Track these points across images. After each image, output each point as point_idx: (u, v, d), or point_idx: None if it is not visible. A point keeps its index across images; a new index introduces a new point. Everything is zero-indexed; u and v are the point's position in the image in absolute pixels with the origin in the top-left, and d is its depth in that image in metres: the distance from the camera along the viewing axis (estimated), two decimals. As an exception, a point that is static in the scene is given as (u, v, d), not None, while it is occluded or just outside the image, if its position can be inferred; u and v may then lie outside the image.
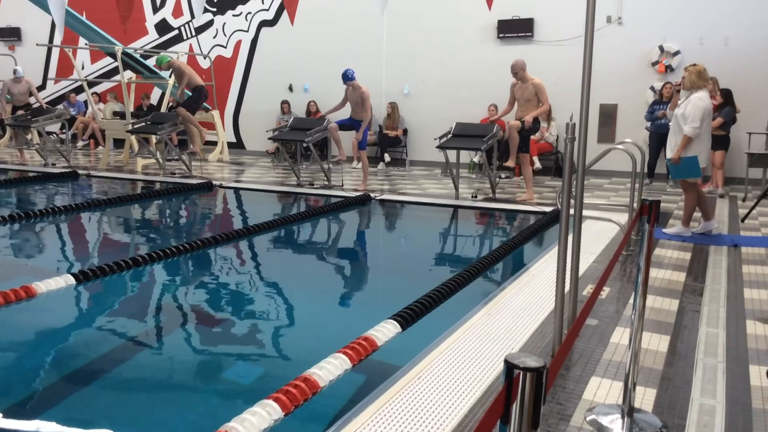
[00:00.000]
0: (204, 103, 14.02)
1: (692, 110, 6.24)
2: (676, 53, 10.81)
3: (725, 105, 9.41)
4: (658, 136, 10.16)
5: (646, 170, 10.49)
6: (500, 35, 12.04)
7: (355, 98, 9.80)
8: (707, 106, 6.29)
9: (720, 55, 10.45)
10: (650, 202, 2.83)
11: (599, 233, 6.66)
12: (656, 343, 3.77)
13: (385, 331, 3.89)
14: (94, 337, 4.33)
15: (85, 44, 14.65)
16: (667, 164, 6.72)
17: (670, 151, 6.56)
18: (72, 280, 4.93)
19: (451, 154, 9.19)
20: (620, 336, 3.87)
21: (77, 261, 6.38)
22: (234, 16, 14.70)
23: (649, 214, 2.85)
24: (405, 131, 13.07)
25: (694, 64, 6.55)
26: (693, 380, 3.29)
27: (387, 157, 12.75)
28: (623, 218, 7.06)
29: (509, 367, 1.12)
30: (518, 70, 8.56)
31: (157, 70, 12.15)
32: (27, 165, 12.36)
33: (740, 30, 10.37)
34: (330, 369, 3.31)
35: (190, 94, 11.26)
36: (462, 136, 8.94)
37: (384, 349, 3.75)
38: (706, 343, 3.78)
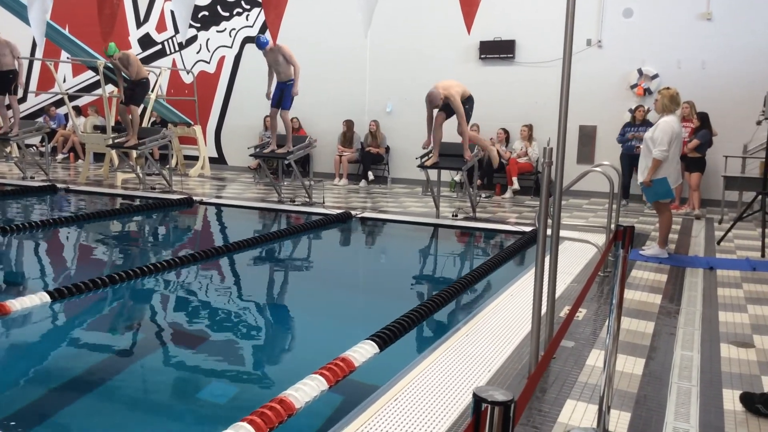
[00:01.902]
0: (185, 117, 14.04)
1: (660, 134, 6.37)
2: (655, 76, 10.98)
3: (702, 128, 9.58)
4: (629, 158, 10.34)
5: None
6: (482, 56, 12.17)
7: (275, 58, 9.61)
8: (675, 129, 6.42)
9: (697, 78, 10.63)
10: (624, 227, 2.87)
11: (577, 254, 6.71)
12: (631, 366, 3.79)
13: (362, 351, 3.88)
14: (68, 356, 4.28)
15: (67, 58, 14.59)
16: (640, 187, 6.83)
17: (641, 174, 6.67)
18: (47, 298, 4.87)
19: (432, 173, 9.24)
20: (596, 358, 3.90)
21: (53, 278, 6.31)
22: (218, 32, 14.72)
23: (623, 239, 2.89)
24: (387, 149, 13.12)
25: (668, 88, 6.70)
26: (667, 404, 3.31)
27: (370, 175, 12.77)
28: (601, 239, 7.11)
29: (477, 400, 1.12)
30: (439, 102, 8.57)
31: (106, 61, 11.72)
32: (5, 178, 12.23)
33: (717, 54, 10.57)
34: (306, 390, 3.30)
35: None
36: (443, 155, 8.99)
37: (362, 368, 3.74)
38: (681, 366, 3.81)
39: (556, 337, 2.39)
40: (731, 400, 3.38)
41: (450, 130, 8.99)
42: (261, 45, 9.55)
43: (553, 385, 3.50)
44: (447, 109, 8.78)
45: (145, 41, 15.56)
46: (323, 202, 9.94)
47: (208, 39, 14.84)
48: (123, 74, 10.88)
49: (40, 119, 15.33)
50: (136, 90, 10.94)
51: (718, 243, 7.54)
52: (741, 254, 7.07)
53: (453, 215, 9.05)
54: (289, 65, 9.64)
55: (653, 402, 3.34)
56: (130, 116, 10.82)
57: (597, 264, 3.25)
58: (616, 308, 2.90)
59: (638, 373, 3.71)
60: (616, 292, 2.90)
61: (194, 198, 10.18)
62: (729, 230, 7.66)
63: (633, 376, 3.66)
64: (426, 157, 9.01)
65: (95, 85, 15.42)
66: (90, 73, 15.75)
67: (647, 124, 10.09)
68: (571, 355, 3.93)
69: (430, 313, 4.81)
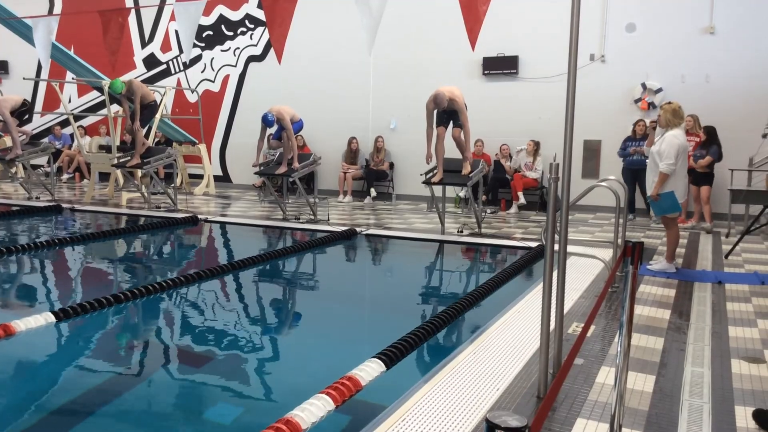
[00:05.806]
0: (190, 136, 14.10)
1: (667, 148, 6.36)
2: (659, 90, 10.98)
3: (711, 143, 9.51)
4: (631, 172, 10.27)
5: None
6: (485, 72, 12.20)
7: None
8: (682, 143, 6.41)
9: (701, 92, 10.63)
10: (633, 243, 2.84)
11: (584, 269, 6.67)
12: (642, 383, 3.74)
13: (369, 370, 3.84)
14: (73, 376, 4.25)
15: (72, 78, 14.68)
16: (647, 201, 6.81)
17: (649, 188, 6.65)
18: (52, 318, 4.85)
19: (437, 189, 9.22)
20: (606, 375, 3.85)
21: (58, 298, 6.29)
22: (222, 51, 14.80)
23: (632, 255, 2.86)
24: (392, 165, 13.12)
25: (670, 102, 6.71)
26: (679, 421, 3.26)
27: (373, 192, 12.76)
28: (608, 254, 7.08)
29: (490, 426, 1.10)
30: (445, 103, 8.58)
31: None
32: (11, 198, 12.26)
33: (721, 67, 10.57)
34: (312, 410, 3.26)
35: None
36: (448, 171, 8.97)
37: (368, 388, 3.70)
38: (692, 383, 3.76)
39: (569, 357, 2.36)
40: (744, 417, 3.33)
41: (450, 145, 8.99)
42: (269, 124, 10.01)
43: (563, 403, 3.45)
44: (447, 118, 8.79)
45: (150, 61, 15.66)
46: (328, 220, 9.93)
47: (212, 58, 14.93)
48: (129, 105, 11.01)
49: (46, 139, 15.38)
50: (143, 112, 11.03)
51: (726, 257, 7.48)
52: (749, 268, 7.01)
53: (458, 231, 9.01)
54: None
55: (665, 420, 3.28)
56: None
57: (607, 280, 3.22)
58: (626, 324, 2.87)
59: (649, 390, 3.66)
60: (626, 309, 2.87)
61: (199, 216, 10.18)
62: (737, 244, 7.61)
63: (644, 393, 3.61)
64: (431, 174, 9.00)
65: (100, 105, 15.51)
66: (95, 93, 15.86)
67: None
68: (580, 373, 3.88)
69: (437, 330, 4.77)
